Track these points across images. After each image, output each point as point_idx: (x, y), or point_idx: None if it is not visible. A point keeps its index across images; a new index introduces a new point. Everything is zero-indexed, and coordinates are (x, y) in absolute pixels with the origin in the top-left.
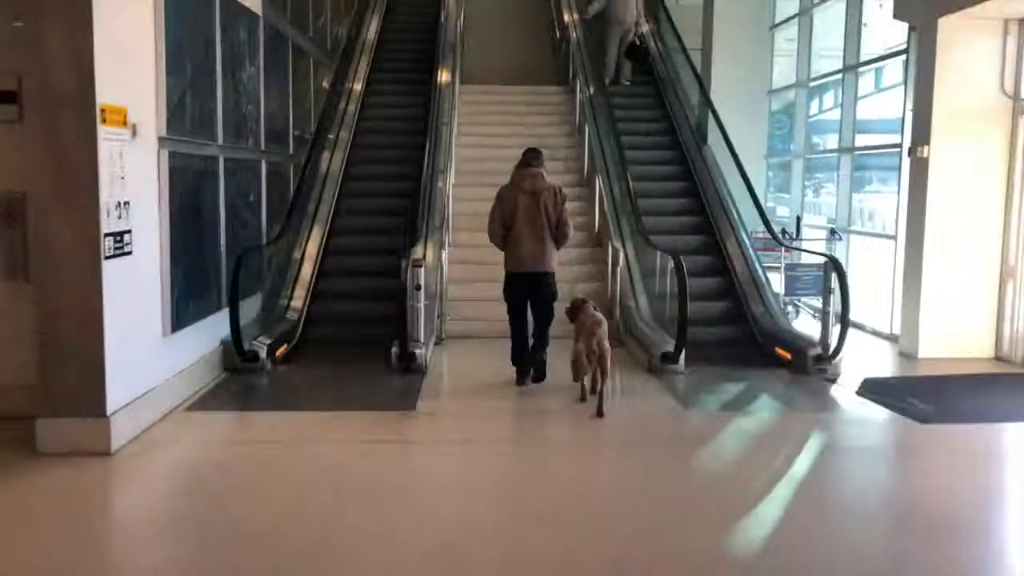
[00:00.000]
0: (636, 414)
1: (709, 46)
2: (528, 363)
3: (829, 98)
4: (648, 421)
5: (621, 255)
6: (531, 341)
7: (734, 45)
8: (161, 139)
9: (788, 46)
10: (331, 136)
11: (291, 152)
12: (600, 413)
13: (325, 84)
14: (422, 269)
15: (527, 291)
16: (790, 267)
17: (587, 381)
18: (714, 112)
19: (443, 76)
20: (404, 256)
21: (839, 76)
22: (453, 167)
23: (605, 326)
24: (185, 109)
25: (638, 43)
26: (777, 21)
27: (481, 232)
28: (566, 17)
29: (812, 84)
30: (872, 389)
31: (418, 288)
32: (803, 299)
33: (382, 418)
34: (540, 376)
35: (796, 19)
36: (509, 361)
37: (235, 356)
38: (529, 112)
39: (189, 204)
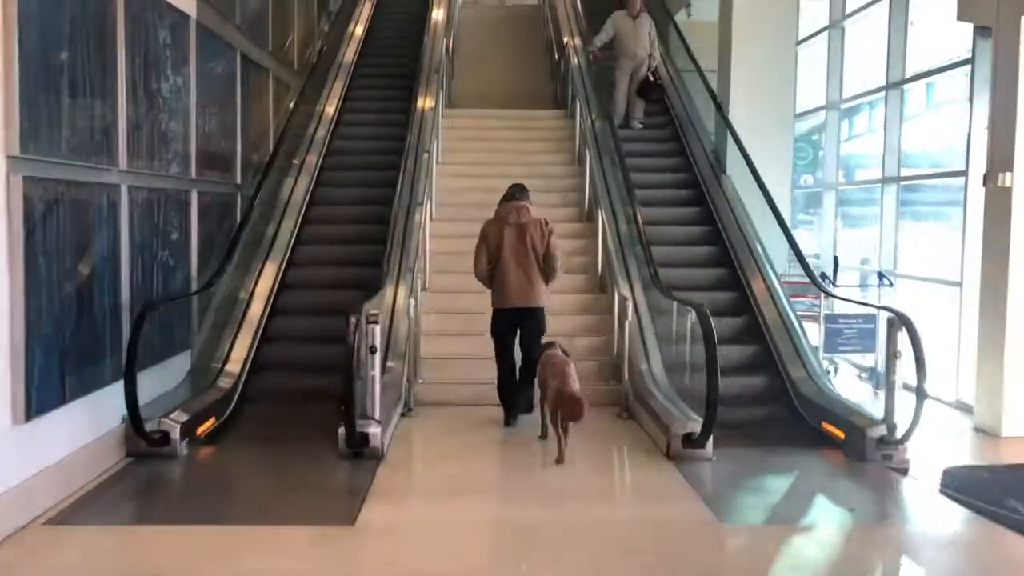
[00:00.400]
0: (657, 531)
1: (727, 66)
2: (514, 400)
3: (862, 120)
4: (674, 543)
5: (630, 305)
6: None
7: (755, 64)
8: (12, 159)
9: (815, 63)
10: (296, 161)
11: (239, 181)
12: (561, 459)
13: (292, 105)
14: (377, 327)
15: (514, 326)
16: (831, 318)
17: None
18: (735, 137)
19: (425, 101)
20: (357, 310)
21: (874, 95)
22: (433, 200)
23: (573, 368)
24: (60, 122)
25: (652, 79)
26: (803, 36)
27: (463, 275)
28: (565, 37)
29: (846, 105)
30: (959, 486)
31: (373, 351)
32: (845, 354)
33: (308, 538)
34: (528, 408)
35: (826, 32)
36: (494, 435)
37: (136, 439)
38: (523, 138)
39: (67, 245)
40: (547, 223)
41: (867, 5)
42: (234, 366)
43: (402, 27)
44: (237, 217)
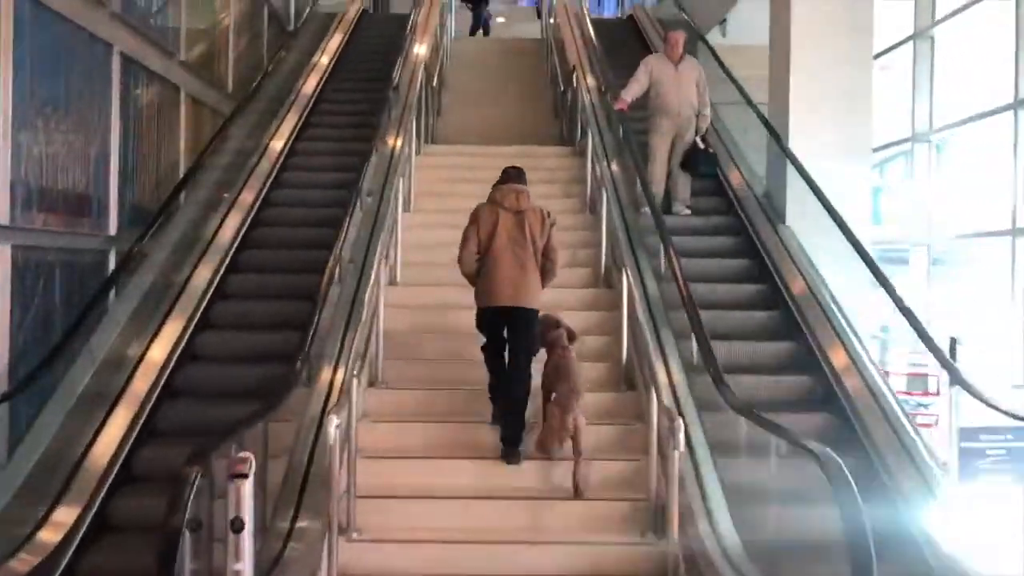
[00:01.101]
0: None
1: (782, 94)
2: (504, 431)
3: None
4: None
5: (679, 429)
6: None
7: (820, 89)
8: None
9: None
10: (225, 195)
11: (112, 231)
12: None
13: (222, 133)
14: (247, 486)
15: (503, 325)
16: (967, 433)
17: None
18: (805, 176)
19: (394, 140)
20: (204, 457)
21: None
22: (396, 259)
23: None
24: None
25: (701, 145)
26: (880, 50)
27: (436, 364)
28: (571, 60)
29: (940, 134)
30: None
31: (237, 528)
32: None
33: None
34: (516, 441)
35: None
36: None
37: None
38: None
39: None
40: (549, 214)
41: (967, 6)
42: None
43: (376, 62)
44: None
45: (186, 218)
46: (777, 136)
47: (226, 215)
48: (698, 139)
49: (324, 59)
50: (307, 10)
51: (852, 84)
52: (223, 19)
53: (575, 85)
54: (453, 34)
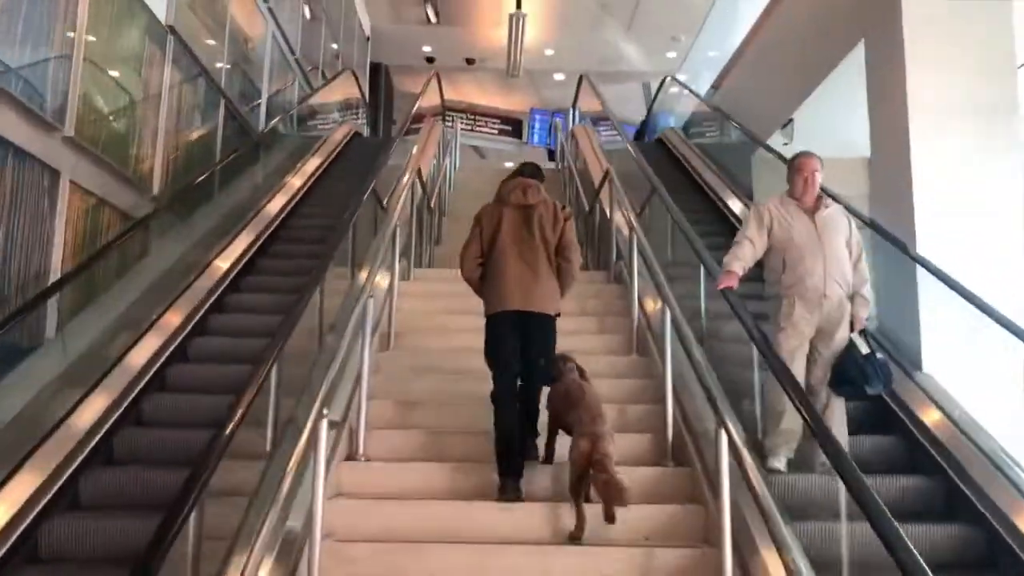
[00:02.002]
0: None
1: (899, 200)
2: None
3: None
4: None
5: None
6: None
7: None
8: None
9: None
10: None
11: None
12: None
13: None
14: None
15: (515, 338)
16: None
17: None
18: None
19: (366, 270)
20: None
21: None
22: (359, 428)
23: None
24: None
25: (864, 349)
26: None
27: None
28: (594, 172)
29: None
30: None
31: None
32: None
33: None
34: (533, 454)
35: None
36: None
37: None
38: None
39: None
40: (564, 207)
41: None
42: None
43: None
44: None
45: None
46: (902, 245)
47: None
48: (857, 337)
49: (297, 180)
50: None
51: (994, 184)
52: (149, 101)
53: (608, 210)
54: (458, 165)
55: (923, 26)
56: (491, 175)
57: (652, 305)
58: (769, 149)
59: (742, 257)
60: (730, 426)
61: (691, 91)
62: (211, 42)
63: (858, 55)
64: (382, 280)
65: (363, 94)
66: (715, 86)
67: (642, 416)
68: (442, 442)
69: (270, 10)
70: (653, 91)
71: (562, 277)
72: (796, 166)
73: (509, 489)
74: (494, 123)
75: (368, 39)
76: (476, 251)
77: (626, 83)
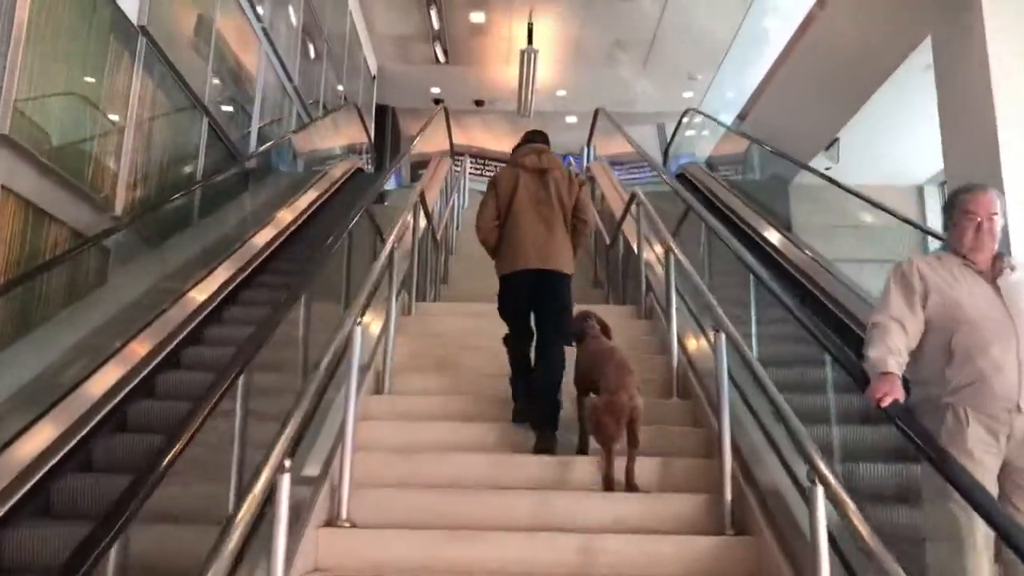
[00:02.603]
0: None
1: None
2: (537, 415)
3: None
4: None
5: None
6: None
7: None
8: None
9: None
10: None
11: None
12: (632, 485)
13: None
14: None
15: (530, 299)
16: None
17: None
18: None
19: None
20: None
21: None
22: (345, 479)
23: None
24: None
25: None
26: None
27: None
28: (614, 206)
29: None
30: None
31: None
32: None
33: None
34: (553, 424)
35: None
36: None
37: None
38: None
39: None
40: (578, 173)
41: None
42: None
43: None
44: None
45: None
46: None
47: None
48: None
49: (287, 215)
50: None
51: None
52: (114, 108)
53: (634, 243)
54: (466, 204)
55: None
56: None
57: (695, 342)
58: (817, 173)
59: (895, 348)
60: (830, 478)
61: (717, 121)
62: (194, 55)
63: (910, 66)
64: (376, 315)
65: (367, 130)
66: (741, 116)
67: (691, 472)
68: (445, 503)
69: (264, 31)
70: (668, 134)
71: (577, 236)
72: (963, 205)
73: (546, 441)
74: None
75: (374, 78)
76: (493, 213)
77: (641, 125)
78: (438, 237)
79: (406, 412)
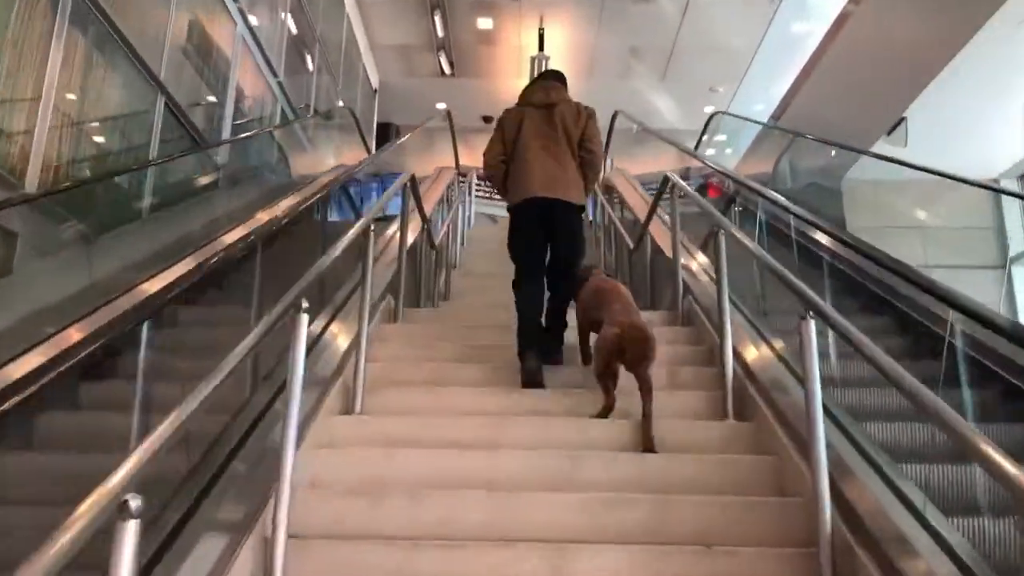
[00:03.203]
0: None
1: None
2: (544, 343)
3: None
4: None
5: None
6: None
7: None
8: None
9: None
10: None
11: None
12: (650, 445)
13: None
14: None
15: (541, 229)
16: None
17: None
18: None
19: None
20: None
21: None
22: (279, 541)
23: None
24: None
25: None
26: None
27: None
28: (638, 210)
29: None
30: None
31: None
32: None
33: None
34: (557, 358)
35: None
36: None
37: None
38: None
39: None
40: (586, 108)
41: None
42: None
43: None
44: None
45: None
46: None
47: None
48: None
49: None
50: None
51: None
52: (25, 59)
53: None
54: (472, 222)
55: None
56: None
57: (754, 350)
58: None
59: None
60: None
61: (750, 120)
62: (147, 21)
63: (1004, 15)
64: (347, 321)
65: (366, 143)
66: (776, 116)
67: (764, 519)
68: (420, 560)
69: (241, 12)
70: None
71: (586, 167)
72: None
73: (535, 377)
74: None
75: (375, 92)
76: (499, 149)
77: (656, 143)
78: (436, 243)
79: (380, 437)
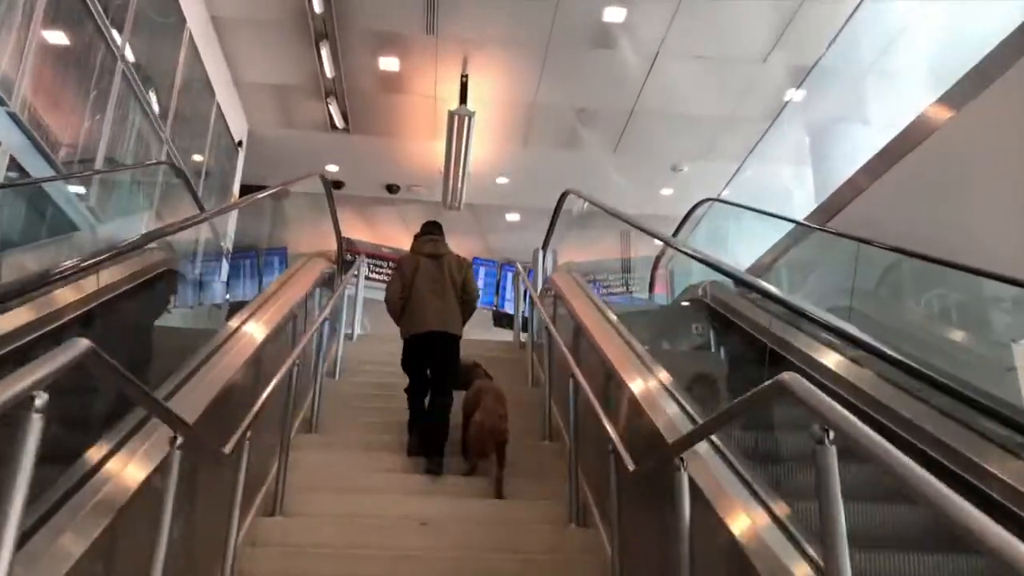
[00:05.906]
0: None
1: None
2: (428, 446)
3: None
4: None
5: None
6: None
7: None
8: None
9: None
10: None
11: None
12: (500, 493)
13: None
14: None
15: (428, 355)
16: None
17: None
18: None
19: None
20: None
21: None
22: None
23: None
24: None
25: None
26: None
27: None
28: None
29: None
30: None
31: None
32: None
33: None
34: (440, 451)
35: None
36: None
37: None
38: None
39: None
40: (465, 260)
41: None
42: None
43: None
44: None
45: None
46: None
47: None
48: None
49: None
50: None
51: None
52: None
53: None
54: (357, 331)
55: None
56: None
57: None
58: None
59: None
60: None
61: (772, 214)
62: None
63: None
64: None
65: (196, 199)
66: (823, 210)
67: None
68: None
69: None
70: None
71: (465, 307)
72: None
73: (434, 465)
74: None
75: (239, 145)
76: (398, 289)
77: (602, 228)
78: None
79: None
